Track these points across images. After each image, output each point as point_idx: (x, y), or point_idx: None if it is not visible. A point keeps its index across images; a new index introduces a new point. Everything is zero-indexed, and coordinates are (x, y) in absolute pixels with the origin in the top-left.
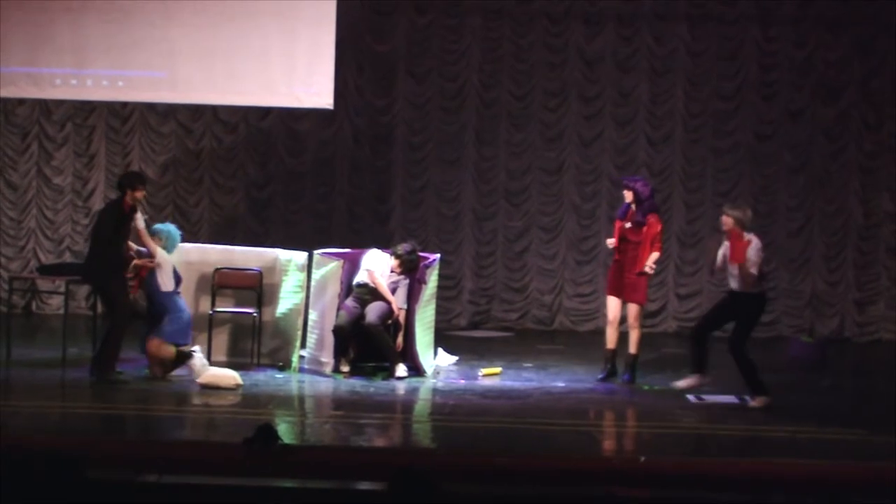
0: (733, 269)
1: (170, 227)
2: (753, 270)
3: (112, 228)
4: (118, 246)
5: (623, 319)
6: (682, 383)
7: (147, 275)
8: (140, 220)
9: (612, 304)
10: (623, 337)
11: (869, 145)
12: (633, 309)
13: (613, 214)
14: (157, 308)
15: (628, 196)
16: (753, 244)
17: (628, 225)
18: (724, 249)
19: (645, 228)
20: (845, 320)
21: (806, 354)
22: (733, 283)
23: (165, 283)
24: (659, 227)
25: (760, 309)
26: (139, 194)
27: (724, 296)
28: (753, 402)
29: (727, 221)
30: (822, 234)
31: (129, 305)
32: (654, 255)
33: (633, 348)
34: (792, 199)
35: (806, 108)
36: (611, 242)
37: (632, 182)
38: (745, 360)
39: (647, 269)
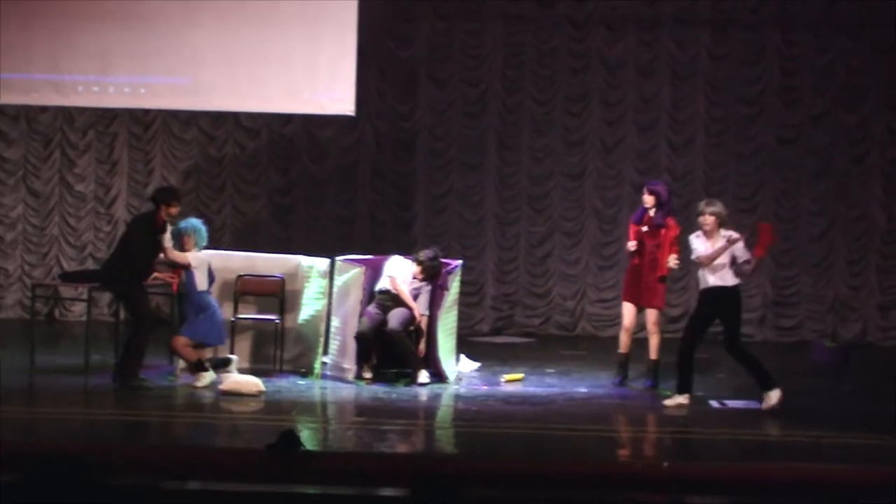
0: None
1: (195, 223)
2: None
3: (140, 239)
4: (143, 256)
5: (642, 326)
6: (670, 402)
7: (185, 274)
8: (169, 238)
9: (628, 311)
10: (638, 342)
11: (891, 150)
12: (651, 314)
13: None
14: (191, 308)
15: (649, 200)
16: (742, 242)
17: (645, 229)
18: (708, 247)
19: (663, 231)
20: (868, 325)
21: (829, 359)
22: (714, 280)
23: (201, 282)
24: (678, 231)
25: (741, 301)
26: (174, 210)
27: (702, 299)
28: (768, 403)
29: (709, 220)
30: (845, 239)
31: (151, 312)
32: (674, 256)
33: (653, 354)
34: (814, 204)
35: (828, 113)
36: (632, 245)
37: (654, 186)
38: (746, 357)
39: (672, 265)
